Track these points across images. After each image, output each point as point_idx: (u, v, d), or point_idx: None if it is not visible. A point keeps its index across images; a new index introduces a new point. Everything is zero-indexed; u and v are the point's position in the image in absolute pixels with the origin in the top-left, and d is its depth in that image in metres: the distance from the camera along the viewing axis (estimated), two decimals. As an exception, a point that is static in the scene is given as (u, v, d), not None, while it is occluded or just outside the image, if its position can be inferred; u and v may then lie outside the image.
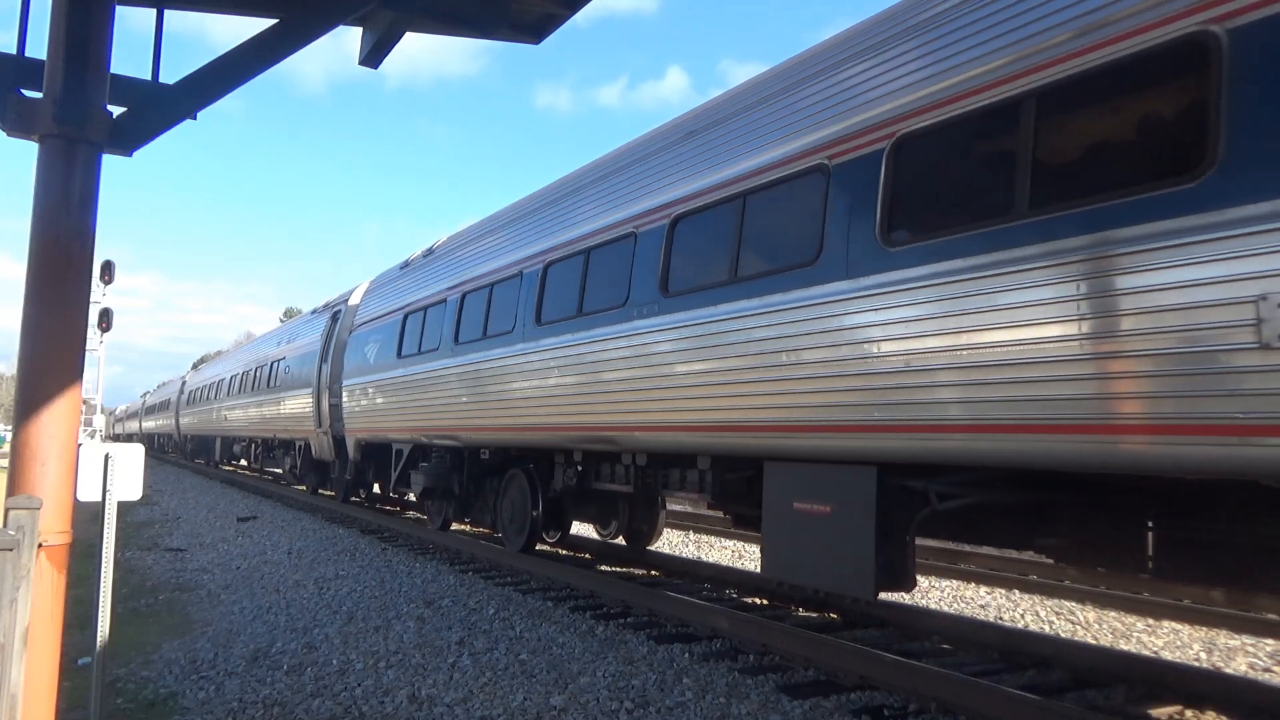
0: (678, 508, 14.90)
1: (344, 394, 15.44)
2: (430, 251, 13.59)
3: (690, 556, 11.56)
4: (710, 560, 11.31)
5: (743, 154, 6.89)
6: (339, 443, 16.49)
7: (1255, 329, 3.66)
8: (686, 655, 6.74)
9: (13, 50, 4.81)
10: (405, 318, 13.00)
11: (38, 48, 4.65)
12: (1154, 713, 5.36)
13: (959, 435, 4.88)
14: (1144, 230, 4.08)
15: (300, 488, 21.43)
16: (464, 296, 11.14)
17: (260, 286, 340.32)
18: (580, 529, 13.07)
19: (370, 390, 14.05)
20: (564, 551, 11.92)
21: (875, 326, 5.41)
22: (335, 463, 17.33)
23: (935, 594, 9.23)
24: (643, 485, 8.52)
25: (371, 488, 16.43)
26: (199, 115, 5.00)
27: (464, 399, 10.68)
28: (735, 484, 7.29)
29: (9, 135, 4.46)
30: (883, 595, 5.60)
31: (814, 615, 7.99)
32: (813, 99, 6.35)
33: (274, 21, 5.08)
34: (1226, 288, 3.76)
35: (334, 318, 17.73)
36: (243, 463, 29.22)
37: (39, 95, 4.45)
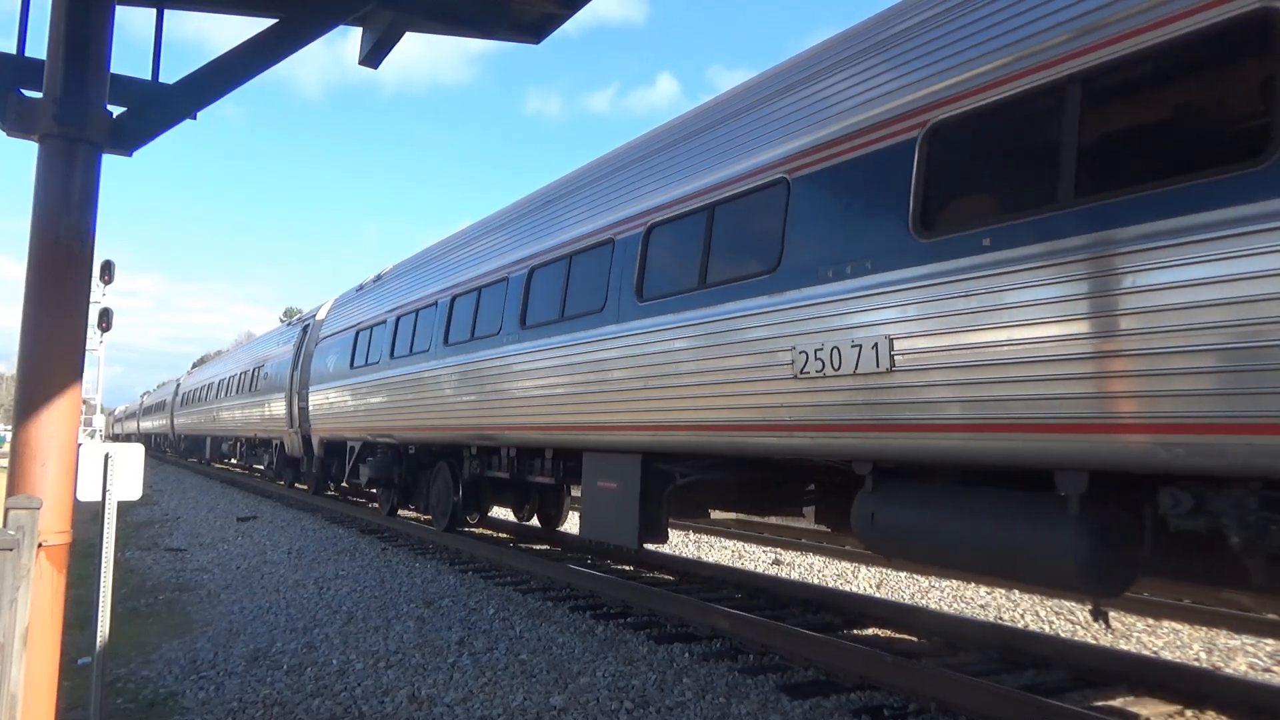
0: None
1: (310, 398, 17.51)
2: (379, 278, 15.81)
3: (690, 556, 11.56)
4: (710, 560, 11.31)
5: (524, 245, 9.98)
6: (307, 441, 18.52)
7: None
8: (686, 655, 6.74)
9: (13, 50, 4.81)
10: (357, 334, 15.11)
11: (38, 48, 4.66)
12: (1154, 713, 5.36)
13: (686, 433, 6.98)
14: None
15: (280, 483, 23.07)
16: (398, 319, 13.27)
17: (260, 287, 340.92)
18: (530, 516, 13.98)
19: (330, 395, 16.20)
20: (483, 531, 13.98)
21: (641, 357, 7.44)
22: (305, 459, 19.45)
23: (935, 594, 9.24)
24: (516, 472, 10.54)
25: (337, 480, 18.38)
26: (199, 115, 5.00)
27: (397, 404, 12.83)
28: (570, 470, 9.31)
29: (9, 135, 4.46)
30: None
31: (814, 615, 7.99)
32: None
33: (274, 21, 5.08)
34: None
35: (304, 330, 19.95)
36: (232, 460, 31.49)
37: (39, 95, 4.45)
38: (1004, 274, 4.65)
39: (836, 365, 5.54)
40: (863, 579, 10.09)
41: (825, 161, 5.92)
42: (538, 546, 12.67)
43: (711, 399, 6.58)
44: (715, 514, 9.39)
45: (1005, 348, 4.61)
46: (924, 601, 8.77)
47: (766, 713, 5.42)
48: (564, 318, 8.66)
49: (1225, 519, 4.07)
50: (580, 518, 8.48)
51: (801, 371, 5.78)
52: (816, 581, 9.80)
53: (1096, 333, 4.26)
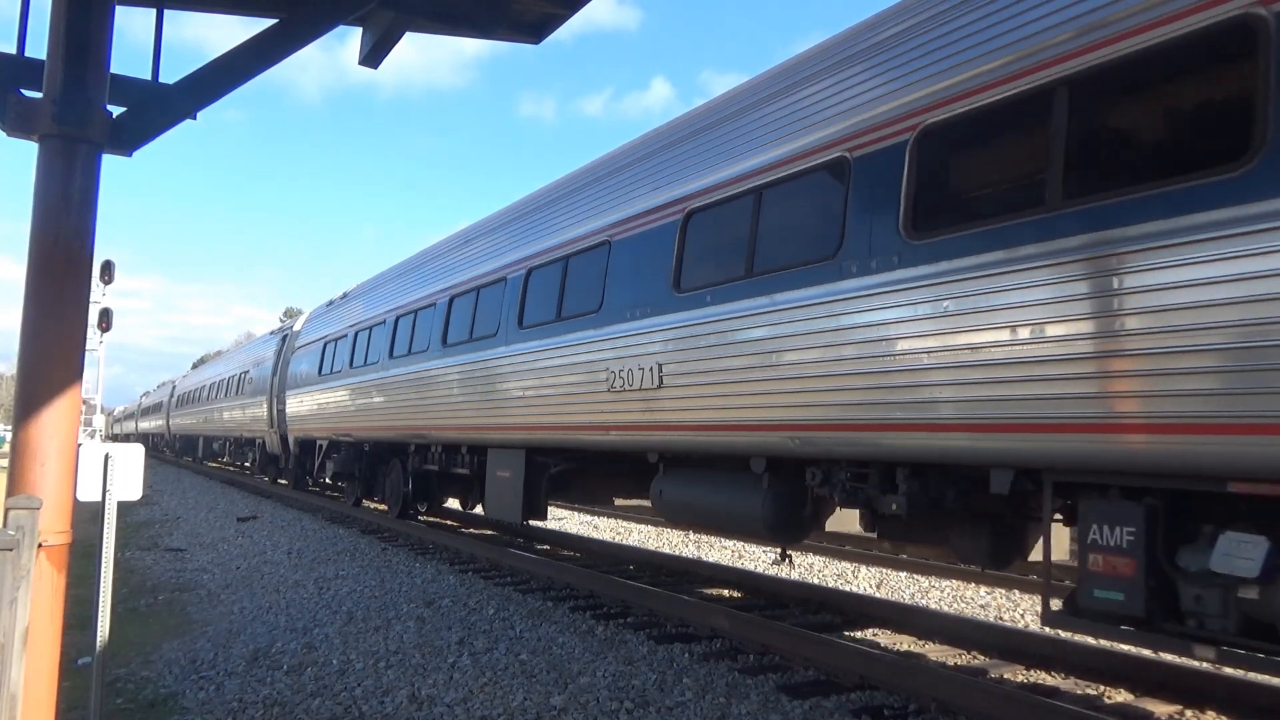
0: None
1: (287, 401, 19.49)
2: (345, 295, 17.87)
3: (690, 556, 11.56)
4: (710, 560, 11.31)
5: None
6: (284, 440, 20.45)
7: None
8: (686, 655, 6.74)
9: (13, 50, 4.81)
10: (324, 345, 17.18)
11: (38, 48, 4.66)
12: (1154, 712, 5.36)
13: (550, 433, 8.89)
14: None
15: (265, 479, 24.85)
16: (356, 333, 15.30)
17: (261, 288, 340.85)
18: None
19: (303, 399, 18.22)
20: (433, 519, 15.56)
21: (521, 373, 9.42)
22: (283, 456, 21.28)
23: (935, 594, 9.23)
24: (443, 465, 12.31)
25: (311, 475, 19.83)
26: (199, 115, 5.00)
27: (355, 408, 14.93)
28: (478, 464, 11.18)
29: (9, 135, 4.46)
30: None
31: (814, 615, 7.99)
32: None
33: (274, 21, 5.08)
34: None
35: (283, 340, 21.96)
36: (223, 459, 33.44)
37: (39, 95, 4.44)
38: (707, 322, 6.78)
39: (632, 382, 7.49)
40: (863, 579, 10.10)
41: (630, 230, 8.04)
42: (539, 546, 12.68)
43: (563, 406, 8.62)
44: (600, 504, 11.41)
45: (723, 373, 6.56)
46: (924, 601, 8.77)
47: (766, 713, 5.42)
48: (472, 339, 10.70)
49: (836, 486, 6.16)
50: (484, 502, 10.78)
51: (612, 387, 7.73)
52: (816, 581, 9.80)
53: (762, 363, 6.21)
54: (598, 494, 10.27)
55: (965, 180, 5.43)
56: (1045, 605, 4.75)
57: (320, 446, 17.57)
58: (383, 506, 15.91)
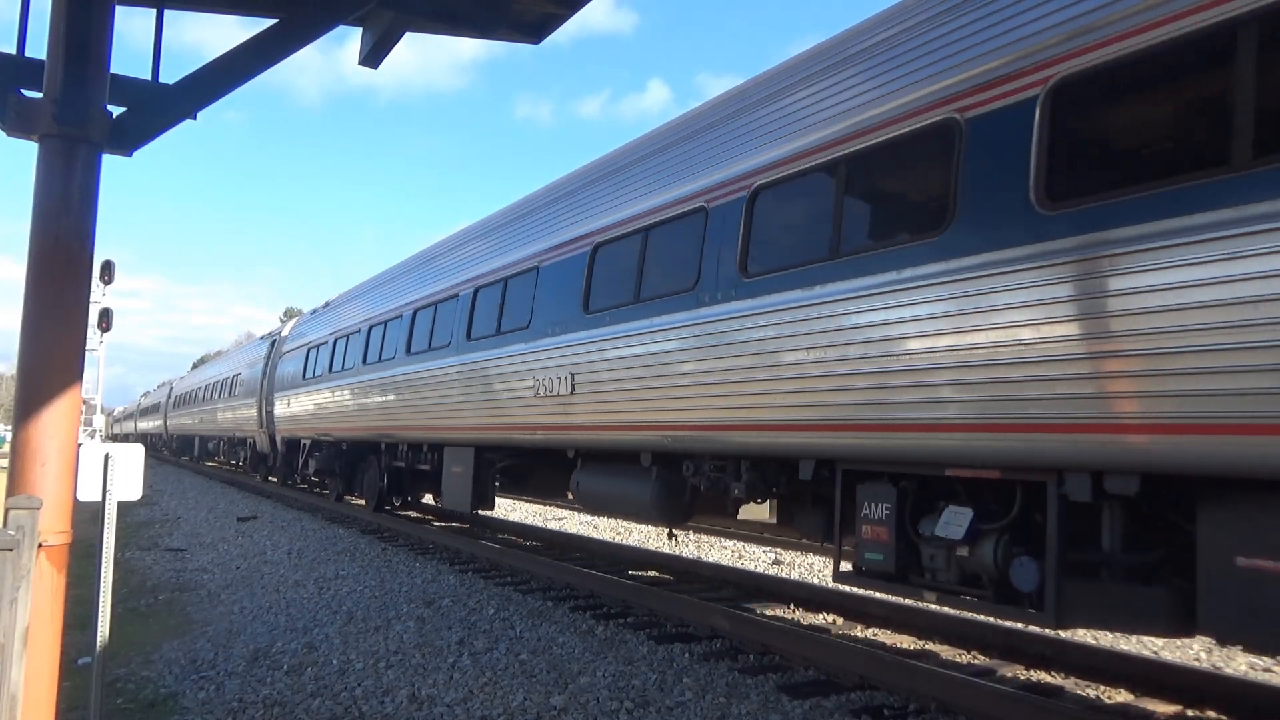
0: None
1: (275, 402, 20.58)
2: (327, 305, 19.08)
3: (690, 556, 11.56)
4: (710, 560, 11.30)
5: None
6: (272, 439, 21.61)
7: None
8: (686, 655, 6.74)
9: (13, 50, 4.81)
10: (308, 351, 18.26)
11: (38, 48, 4.66)
12: (1154, 712, 5.36)
13: (493, 432, 10.14)
14: None
15: (256, 476, 25.89)
16: (336, 340, 16.41)
17: (261, 288, 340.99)
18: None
19: (289, 401, 19.31)
20: (411, 514, 16.39)
21: (469, 380, 10.61)
22: (271, 454, 22.57)
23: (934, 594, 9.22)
24: (410, 462, 13.49)
25: (296, 472, 21.02)
26: (199, 115, 5.00)
27: (333, 410, 16.07)
28: (438, 461, 12.17)
29: (9, 135, 4.46)
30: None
31: (814, 615, 7.99)
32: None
33: (274, 21, 5.08)
34: None
35: (272, 344, 23.13)
36: (218, 458, 34.30)
37: (39, 95, 4.44)
38: (606, 339, 7.85)
39: (552, 390, 8.60)
40: (863, 579, 10.08)
41: (554, 258, 9.11)
42: (540, 547, 12.68)
43: (502, 409, 9.80)
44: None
45: (616, 382, 7.71)
46: (924, 601, 8.76)
47: (766, 713, 5.41)
48: (430, 349, 11.77)
49: (702, 476, 7.26)
50: (441, 493, 11.87)
51: (538, 393, 8.86)
52: (816, 582, 9.80)
53: (644, 374, 7.32)
54: (538, 487, 11.47)
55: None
56: (836, 567, 5.95)
57: (304, 446, 18.87)
58: (361, 501, 16.87)
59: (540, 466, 10.77)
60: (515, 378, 9.42)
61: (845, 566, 5.85)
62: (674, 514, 7.93)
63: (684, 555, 11.72)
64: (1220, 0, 3.93)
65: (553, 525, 15.26)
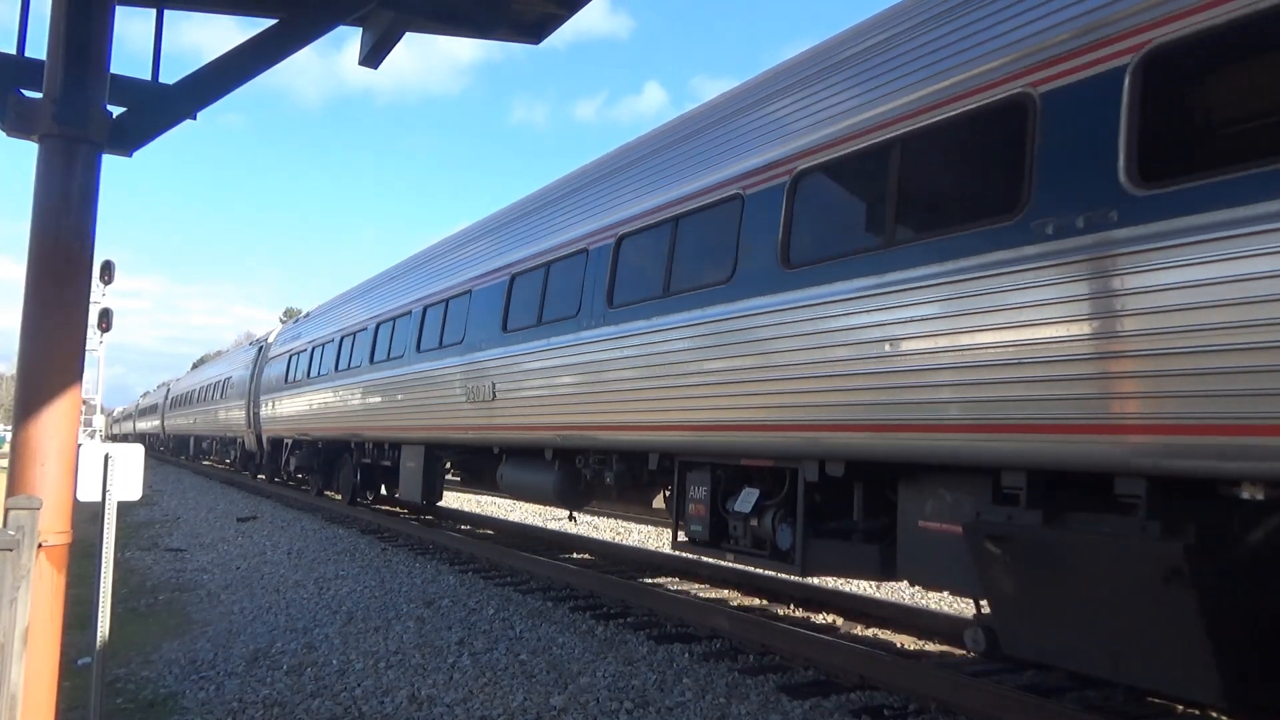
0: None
1: (261, 405, 22.35)
2: (307, 315, 21.05)
3: (690, 556, 11.54)
4: (710, 560, 11.29)
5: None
6: (259, 439, 23.28)
7: None
8: (686, 655, 6.74)
9: (13, 50, 4.81)
10: (289, 357, 19.93)
11: (38, 48, 4.65)
12: (1154, 712, 5.36)
13: (440, 432, 11.59)
14: None
15: (246, 473, 27.16)
16: (313, 348, 18.10)
17: (261, 288, 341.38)
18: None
19: (274, 403, 20.98)
20: (381, 507, 17.54)
21: (419, 387, 12.25)
22: (258, 452, 24.14)
23: (935, 594, 9.22)
24: (374, 459, 15.16)
25: (280, 469, 22.59)
26: (199, 116, 4.99)
27: (310, 412, 17.71)
28: (397, 458, 13.77)
29: (9, 135, 4.45)
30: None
31: (814, 616, 7.98)
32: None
33: (274, 21, 5.08)
34: None
35: (259, 350, 24.78)
36: (212, 456, 35.87)
37: (39, 95, 4.44)
38: (517, 355, 9.51)
39: (479, 396, 10.25)
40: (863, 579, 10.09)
41: (484, 283, 10.79)
42: (540, 546, 12.68)
43: (443, 412, 11.35)
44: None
45: (523, 390, 9.38)
46: (924, 602, 8.77)
47: (766, 713, 5.41)
48: (389, 358, 13.47)
49: (588, 468, 8.93)
50: (399, 486, 13.58)
51: (470, 399, 10.51)
52: (817, 582, 9.79)
53: (541, 382, 9.07)
54: (478, 479, 12.95)
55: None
56: (674, 537, 7.49)
57: (287, 445, 20.69)
58: (339, 496, 18.34)
59: (476, 461, 12.27)
60: (453, 385, 10.99)
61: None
62: (572, 499, 9.60)
63: (683, 555, 11.71)
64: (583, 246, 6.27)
65: (553, 525, 15.26)
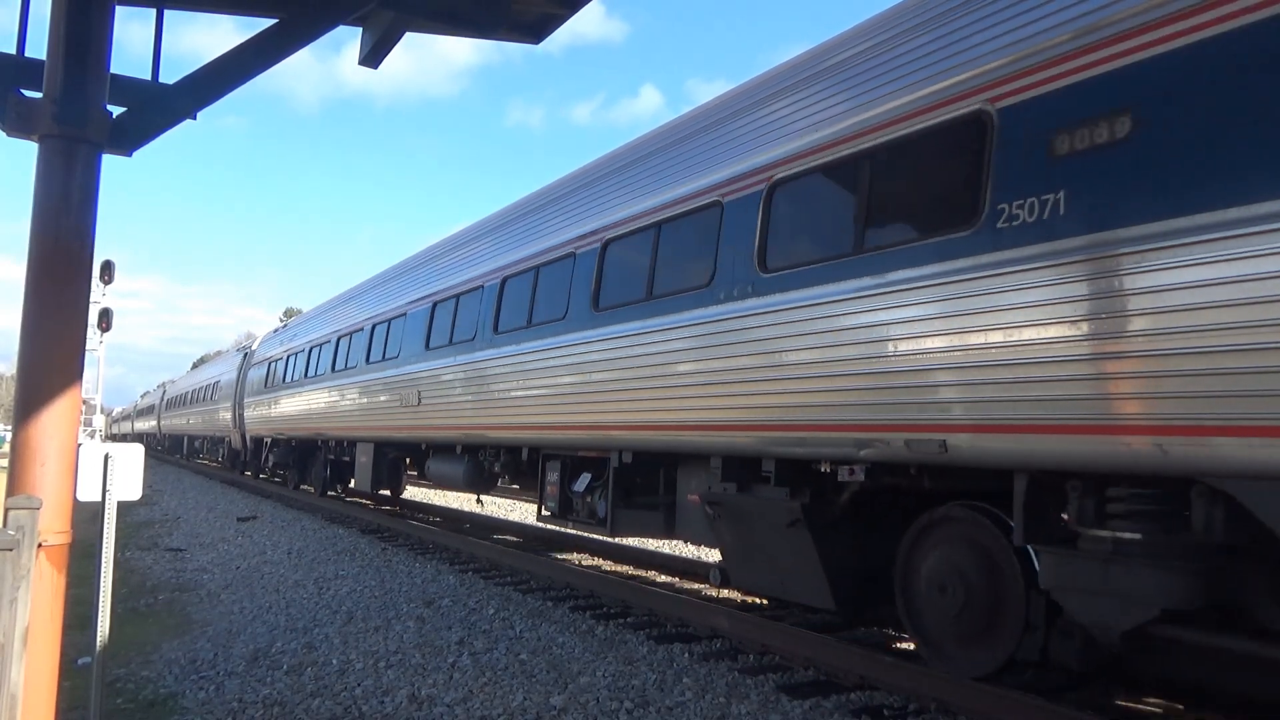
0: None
1: (245, 406, 24.56)
2: (286, 326, 23.59)
3: (690, 556, 11.56)
4: (710, 560, 11.29)
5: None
6: (244, 438, 25.32)
7: None
8: (686, 655, 6.74)
9: (13, 50, 4.81)
10: (269, 363, 22.16)
11: (38, 48, 4.65)
12: (1154, 712, 5.36)
13: (387, 431, 13.76)
14: None
15: (235, 470, 28.40)
16: (288, 355, 20.30)
17: (261, 288, 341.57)
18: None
19: (257, 405, 23.05)
20: (348, 498, 19.42)
21: (369, 393, 14.48)
22: (243, 450, 26.17)
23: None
24: (336, 456, 17.84)
25: (262, 465, 24.80)
26: (199, 116, 4.99)
27: (285, 413, 19.88)
28: (354, 454, 15.88)
29: (9, 135, 4.45)
30: None
31: (814, 615, 7.98)
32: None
33: (274, 21, 5.07)
34: None
35: (244, 356, 26.71)
36: (203, 455, 37.66)
37: (39, 95, 4.44)
38: (436, 368, 11.66)
39: (410, 401, 12.35)
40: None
41: (415, 307, 12.89)
42: (540, 547, 12.68)
43: (385, 415, 13.51)
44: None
45: (436, 398, 11.54)
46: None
47: (766, 713, 5.42)
48: (347, 367, 15.63)
49: (487, 461, 11.31)
50: (355, 479, 15.93)
51: (403, 404, 12.62)
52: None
53: (447, 391, 11.22)
54: (421, 472, 14.39)
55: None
56: (539, 514, 9.62)
57: (266, 443, 23.05)
58: (311, 488, 20.54)
59: (416, 457, 14.19)
60: (391, 392, 13.15)
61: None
62: (479, 486, 11.92)
63: (684, 555, 11.72)
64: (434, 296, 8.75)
65: (553, 525, 15.24)
